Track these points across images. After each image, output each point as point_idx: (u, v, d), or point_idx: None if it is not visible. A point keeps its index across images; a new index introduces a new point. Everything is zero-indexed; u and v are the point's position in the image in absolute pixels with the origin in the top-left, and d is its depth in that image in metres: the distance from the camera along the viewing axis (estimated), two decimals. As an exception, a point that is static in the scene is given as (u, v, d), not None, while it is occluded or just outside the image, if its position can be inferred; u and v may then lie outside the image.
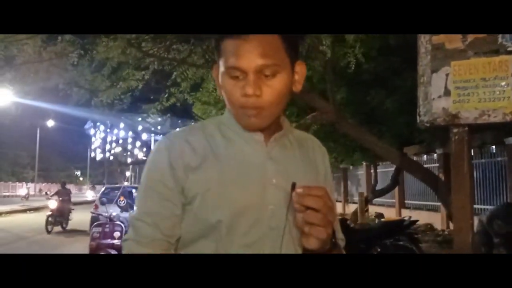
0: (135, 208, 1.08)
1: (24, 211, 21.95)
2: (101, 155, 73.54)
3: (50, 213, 12.54)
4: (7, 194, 38.04)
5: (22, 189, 33.53)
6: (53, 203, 12.73)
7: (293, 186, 0.94)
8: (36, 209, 23.36)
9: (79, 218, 13.46)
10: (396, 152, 4.36)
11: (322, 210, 0.91)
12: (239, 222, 0.97)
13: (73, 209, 14.04)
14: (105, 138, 73.99)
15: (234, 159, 1.02)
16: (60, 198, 13.09)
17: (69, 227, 13.21)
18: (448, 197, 3.82)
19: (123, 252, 1.02)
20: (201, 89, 7.93)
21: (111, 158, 71.76)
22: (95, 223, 6.99)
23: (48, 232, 12.11)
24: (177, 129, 1.14)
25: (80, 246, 9.08)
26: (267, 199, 1.00)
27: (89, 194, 40.22)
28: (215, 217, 0.97)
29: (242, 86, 0.96)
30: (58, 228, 12.78)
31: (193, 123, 1.12)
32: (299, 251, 1.01)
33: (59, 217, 12.77)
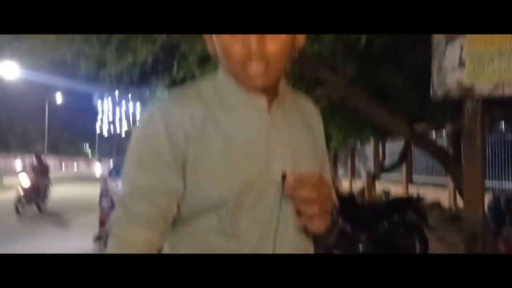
0: (121, 186, 0.94)
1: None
2: (110, 130, 73.80)
3: (21, 191, 10.42)
4: (18, 169, 38.44)
5: (17, 163, 27.94)
6: (25, 179, 10.67)
7: (284, 176, 0.88)
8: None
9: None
10: (406, 126, 4.30)
11: (317, 200, 0.86)
12: (245, 198, 0.90)
13: (52, 187, 12.01)
14: (113, 112, 74.01)
15: (237, 128, 0.92)
16: (35, 173, 10.99)
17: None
18: (458, 172, 3.78)
19: (113, 237, 0.89)
20: (209, 62, 7.86)
21: (120, 132, 71.98)
22: (104, 196, 7.11)
23: (19, 213, 10.15)
24: (167, 95, 1.04)
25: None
26: (272, 171, 0.92)
27: (97, 168, 40.60)
28: (220, 194, 0.89)
29: (243, 38, 0.86)
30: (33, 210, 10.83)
31: (184, 86, 1.00)
32: (297, 239, 0.95)
33: (33, 196, 10.75)
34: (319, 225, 0.88)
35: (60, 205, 12.56)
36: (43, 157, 12.76)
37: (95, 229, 6.79)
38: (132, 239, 0.87)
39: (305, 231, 0.95)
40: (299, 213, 0.89)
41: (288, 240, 0.93)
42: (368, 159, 16.15)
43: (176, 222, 0.93)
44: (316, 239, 1.00)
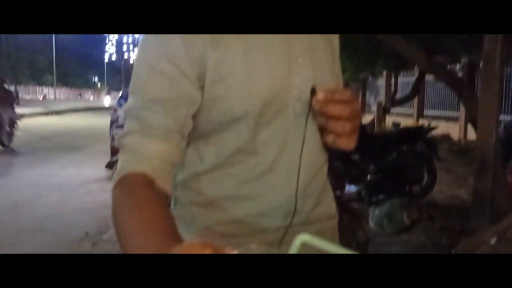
0: (131, 97, 0.83)
1: (46, 113, 22.51)
2: (118, 60, 72.73)
3: None
4: (28, 98, 38.87)
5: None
6: None
7: (313, 90, 0.81)
8: (58, 112, 23.97)
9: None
10: (422, 54, 4.17)
11: (349, 117, 0.80)
12: (265, 111, 0.83)
13: (20, 120, 10.14)
14: (120, 39, 72.37)
15: (256, 36, 0.83)
16: None
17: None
18: (472, 102, 3.72)
19: (126, 151, 0.80)
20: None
21: (128, 62, 71.12)
22: (115, 125, 7.17)
23: None
24: None
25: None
26: (292, 82, 0.85)
27: (107, 100, 40.76)
28: (241, 108, 0.81)
29: None
30: None
31: None
32: (317, 156, 0.92)
33: None
34: (347, 143, 0.84)
35: (72, 135, 12.74)
36: (6, 85, 10.81)
37: (106, 157, 6.91)
38: (147, 152, 0.79)
39: (328, 148, 0.91)
40: (326, 130, 0.84)
41: (310, 157, 0.90)
42: (380, 92, 15.97)
43: (191, 137, 0.87)
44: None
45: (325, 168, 0.98)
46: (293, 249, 0.49)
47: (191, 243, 0.48)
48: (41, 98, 31.81)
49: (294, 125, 0.87)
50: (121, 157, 0.81)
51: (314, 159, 0.92)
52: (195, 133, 0.86)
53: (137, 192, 0.75)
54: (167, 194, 0.79)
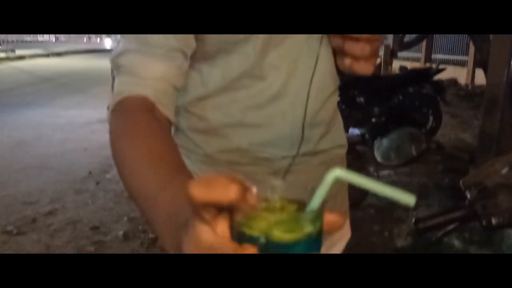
0: None
1: (47, 55, 22.27)
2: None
3: None
4: (29, 39, 38.33)
5: None
6: None
7: None
8: (58, 54, 23.69)
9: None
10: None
11: (369, 39, 0.73)
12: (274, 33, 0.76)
13: None
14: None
15: None
16: None
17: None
18: (484, 41, 3.61)
19: (122, 73, 0.72)
20: None
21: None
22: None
23: None
24: None
25: None
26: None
27: (108, 42, 40.07)
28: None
29: None
30: None
31: None
32: (328, 80, 0.86)
33: None
34: (365, 67, 0.76)
35: (73, 76, 12.62)
36: None
37: (109, 98, 6.87)
38: (147, 73, 0.71)
39: (341, 73, 0.86)
40: (343, 52, 0.77)
41: (321, 82, 0.84)
42: (387, 36, 15.59)
43: (195, 59, 0.80)
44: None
45: (336, 96, 0.92)
46: (325, 186, 0.44)
47: (215, 175, 0.41)
48: (54, 40, 31.12)
49: (306, 47, 0.80)
50: (117, 79, 0.73)
51: (325, 85, 0.86)
52: (199, 54, 0.79)
53: (138, 117, 0.68)
54: (169, 121, 0.72)
